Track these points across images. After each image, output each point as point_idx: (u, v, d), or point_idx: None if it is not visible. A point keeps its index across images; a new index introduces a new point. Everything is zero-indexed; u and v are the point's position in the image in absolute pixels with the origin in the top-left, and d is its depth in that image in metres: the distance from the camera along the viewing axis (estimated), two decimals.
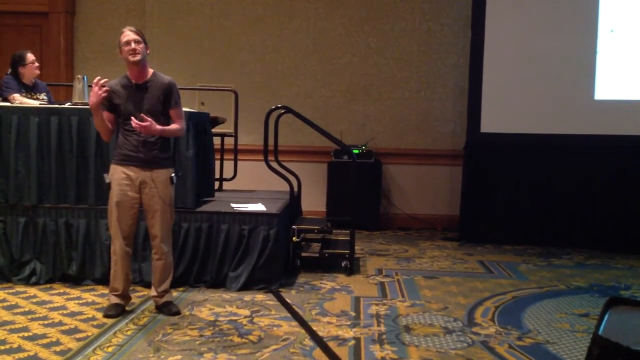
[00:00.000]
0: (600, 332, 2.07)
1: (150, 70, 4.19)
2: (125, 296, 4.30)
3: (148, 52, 4.17)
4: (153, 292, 4.30)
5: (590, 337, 2.10)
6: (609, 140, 6.98)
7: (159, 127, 4.03)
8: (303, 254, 5.75)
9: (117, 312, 4.18)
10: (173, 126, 4.17)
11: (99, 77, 4.02)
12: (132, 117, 3.96)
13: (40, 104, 5.41)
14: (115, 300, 4.23)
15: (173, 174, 4.22)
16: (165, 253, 4.24)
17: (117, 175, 4.11)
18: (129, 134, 4.10)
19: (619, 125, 6.97)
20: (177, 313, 4.21)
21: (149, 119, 3.97)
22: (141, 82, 4.13)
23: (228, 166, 6.86)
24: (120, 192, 4.10)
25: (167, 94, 4.17)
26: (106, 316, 4.14)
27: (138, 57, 4.06)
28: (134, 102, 4.08)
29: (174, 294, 4.57)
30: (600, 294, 5.05)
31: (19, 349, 3.53)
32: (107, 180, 4.15)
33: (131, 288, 4.81)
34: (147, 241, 4.88)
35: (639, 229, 6.90)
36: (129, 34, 4.10)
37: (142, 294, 4.71)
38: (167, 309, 4.23)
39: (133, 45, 4.06)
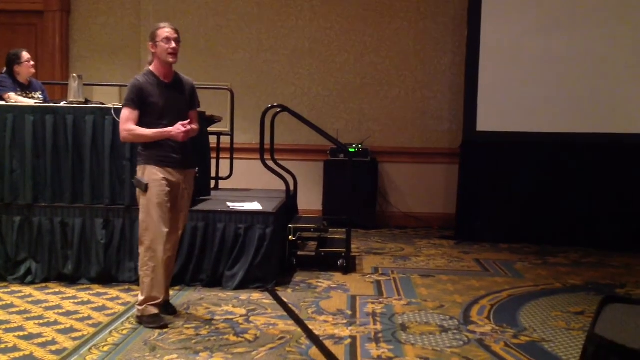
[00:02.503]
0: (595, 330, 2.07)
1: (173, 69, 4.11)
2: (165, 300, 4.12)
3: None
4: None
5: (586, 335, 2.10)
6: (605, 138, 6.99)
7: (196, 127, 4.02)
8: (299, 253, 5.75)
9: (161, 323, 3.92)
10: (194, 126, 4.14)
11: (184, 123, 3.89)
12: (179, 122, 3.86)
13: (35, 103, 5.39)
14: (154, 310, 3.95)
15: (197, 173, 4.23)
16: (176, 249, 4.23)
17: (156, 176, 3.91)
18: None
19: (616, 124, 6.98)
20: (173, 312, 4.20)
21: (187, 124, 3.90)
22: (169, 81, 4.02)
23: (224, 165, 6.85)
24: (162, 192, 3.91)
25: (193, 94, 4.15)
26: (157, 327, 3.88)
27: (175, 60, 3.96)
28: (168, 102, 3.96)
29: (170, 292, 4.56)
30: (596, 292, 5.06)
31: (15, 349, 3.53)
32: (144, 182, 3.89)
33: (127, 287, 4.83)
34: None
35: (635, 228, 6.92)
36: (170, 31, 3.93)
37: (137, 292, 4.69)
38: (163, 308, 4.20)
39: (174, 44, 3.93)
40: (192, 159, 4.18)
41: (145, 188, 3.90)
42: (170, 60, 3.95)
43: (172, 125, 3.90)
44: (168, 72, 4.01)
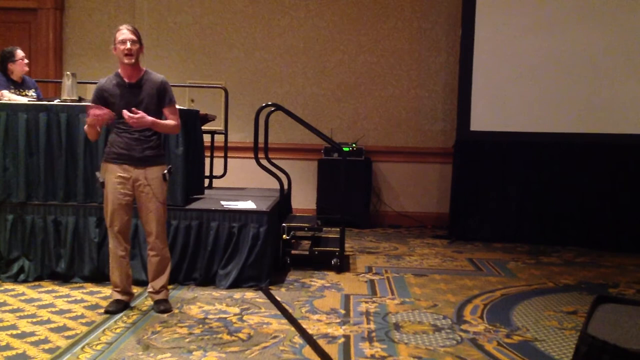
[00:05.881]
0: (588, 329, 2.08)
1: (143, 69, 4.17)
2: (126, 292, 4.30)
3: (142, 52, 4.15)
4: (150, 288, 4.31)
5: (578, 334, 2.10)
6: (598, 138, 7.02)
7: (150, 118, 4.02)
8: (293, 252, 5.74)
9: (118, 307, 4.20)
10: (168, 121, 4.18)
11: (93, 106, 4.01)
12: (124, 111, 3.94)
13: (29, 101, 5.38)
14: (117, 296, 4.26)
15: (166, 171, 4.21)
16: (161, 249, 4.24)
17: (111, 173, 4.09)
18: (122, 132, 4.08)
19: (609, 124, 7.00)
20: (166, 311, 4.20)
21: (140, 111, 3.96)
22: (134, 81, 4.10)
23: (218, 164, 6.85)
24: (114, 190, 4.09)
25: (162, 92, 4.17)
26: (106, 312, 4.16)
27: (132, 60, 4.04)
28: (128, 101, 4.05)
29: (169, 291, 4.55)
30: (589, 291, 5.08)
31: (7, 347, 3.52)
32: (101, 179, 4.13)
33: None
34: (136, 239, 4.89)
35: (628, 228, 6.95)
36: (125, 33, 4.04)
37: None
38: (156, 306, 4.23)
39: (129, 45, 4.02)
40: (155, 157, 4.17)
41: (102, 185, 4.13)
42: (126, 61, 4.05)
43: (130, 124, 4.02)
44: (131, 72, 4.10)
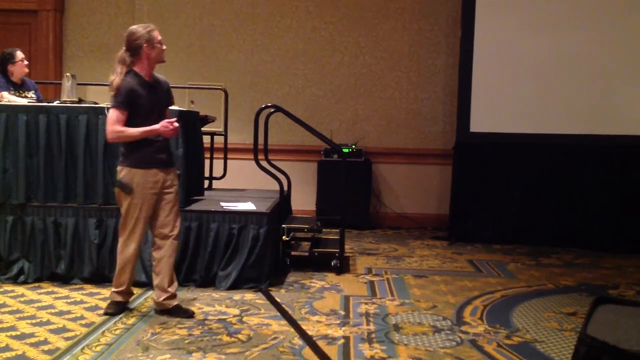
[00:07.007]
0: (587, 330, 2.08)
1: None
2: (128, 292, 4.29)
3: None
4: (163, 295, 4.18)
5: (578, 335, 2.10)
6: (598, 139, 7.01)
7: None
8: (293, 253, 5.74)
9: (117, 309, 4.18)
10: None
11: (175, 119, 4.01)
12: (165, 120, 3.97)
13: (28, 102, 5.38)
14: (117, 297, 4.21)
15: (179, 172, 4.28)
16: (176, 251, 4.27)
17: (141, 178, 4.00)
18: (151, 136, 4.03)
19: (610, 125, 7.00)
20: (192, 313, 4.20)
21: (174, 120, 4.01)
22: (152, 81, 4.10)
23: (218, 165, 6.85)
24: (146, 195, 4.02)
25: (169, 92, 4.25)
26: (106, 314, 4.14)
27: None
28: (152, 101, 4.05)
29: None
30: (589, 293, 5.08)
31: (7, 348, 3.52)
32: (131, 185, 4.00)
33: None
34: None
35: (628, 229, 6.94)
36: (158, 33, 4.07)
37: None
38: (183, 311, 4.17)
39: (164, 46, 4.09)
40: (173, 159, 4.28)
41: (130, 191, 4.00)
42: (164, 60, 4.11)
43: (156, 124, 3.99)
44: (151, 72, 4.10)
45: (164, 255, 4.16)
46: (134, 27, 4.07)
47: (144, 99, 3.99)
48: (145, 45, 4.00)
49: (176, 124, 3.98)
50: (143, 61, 4.03)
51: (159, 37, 4.05)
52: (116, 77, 3.98)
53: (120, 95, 3.94)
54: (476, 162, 7.38)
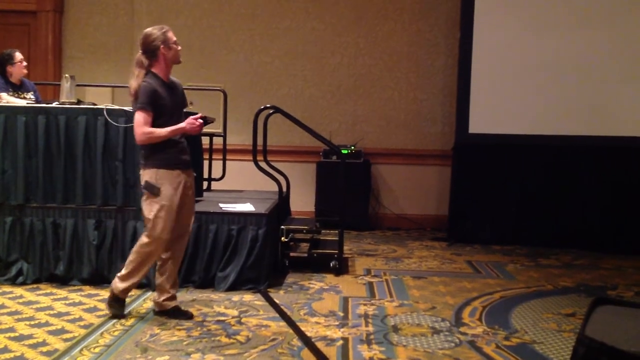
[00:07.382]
0: (586, 331, 2.08)
1: None
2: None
3: None
4: (163, 295, 4.16)
5: (577, 336, 2.10)
6: (597, 140, 7.02)
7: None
8: (292, 254, 5.75)
9: (123, 310, 4.18)
10: None
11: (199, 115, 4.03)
12: (190, 117, 3.99)
13: (27, 103, 5.37)
14: (124, 296, 4.18)
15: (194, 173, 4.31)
16: (183, 251, 4.29)
17: (170, 179, 3.97)
18: (176, 137, 4.03)
19: (608, 126, 7.01)
20: (192, 316, 4.20)
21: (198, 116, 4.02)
22: (169, 82, 4.10)
23: (217, 166, 6.85)
24: (174, 196, 3.98)
25: (184, 93, 4.26)
26: (114, 317, 4.11)
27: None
28: (172, 102, 4.06)
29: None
30: (587, 294, 5.08)
31: (5, 350, 3.51)
32: (158, 186, 3.95)
33: None
34: (134, 242, 4.87)
35: (626, 230, 6.95)
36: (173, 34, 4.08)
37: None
38: (181, 313, 4.16)
39: (180, 47, 4.10)
40: (191, 160, 4.28)
41: (158, 192, 3.95)
42: (180, 60, 4.11)
43: (178, 124, 4.01)
44: (169, 73, 4.11)
45: (174, 254, 4.17)
46: (148, 29, 4.04)
47: (165, 99, 3.99)
48: (162, 46, 3.99)
49: (200, 120, 3.99)
50: (160, 62, 4.02)
51: (174, 38, 4.05)
52: (136, 80, 3.97)
53: (143, 97, 3.91)
54: (475, 163, 7.39)
